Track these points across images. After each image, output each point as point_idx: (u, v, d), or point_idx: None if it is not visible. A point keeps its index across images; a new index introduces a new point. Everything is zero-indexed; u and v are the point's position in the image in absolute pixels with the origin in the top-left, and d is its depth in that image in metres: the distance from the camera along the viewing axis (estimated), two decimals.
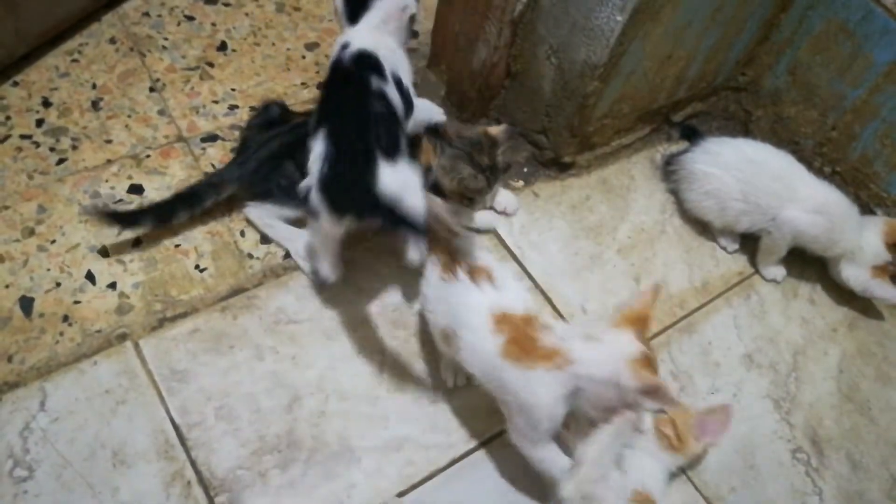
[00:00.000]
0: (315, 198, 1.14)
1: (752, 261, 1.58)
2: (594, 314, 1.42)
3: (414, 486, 1.17)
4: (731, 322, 1.49)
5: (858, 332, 1.53)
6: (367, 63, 1.25)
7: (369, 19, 1.31)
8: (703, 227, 1.60)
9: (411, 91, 1.31)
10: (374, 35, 1.30)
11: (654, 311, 1.12)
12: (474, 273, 1.16)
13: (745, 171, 1.48)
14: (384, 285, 1.38)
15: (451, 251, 1.21)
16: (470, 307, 1.12)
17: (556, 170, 1.62)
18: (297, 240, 1.38)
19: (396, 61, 1.29)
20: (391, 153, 1.16)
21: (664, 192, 1.65)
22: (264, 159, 1.37)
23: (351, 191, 1.13)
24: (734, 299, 1.52)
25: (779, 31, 1.64)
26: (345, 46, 1.27)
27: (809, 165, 1.64)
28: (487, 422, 1.25)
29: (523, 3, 1.40)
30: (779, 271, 1.56)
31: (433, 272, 1.21)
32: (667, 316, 1.46)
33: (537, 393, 1.05)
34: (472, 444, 1.23)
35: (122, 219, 1.30)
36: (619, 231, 1.56)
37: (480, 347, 1.09)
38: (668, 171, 1.64)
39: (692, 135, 1.64)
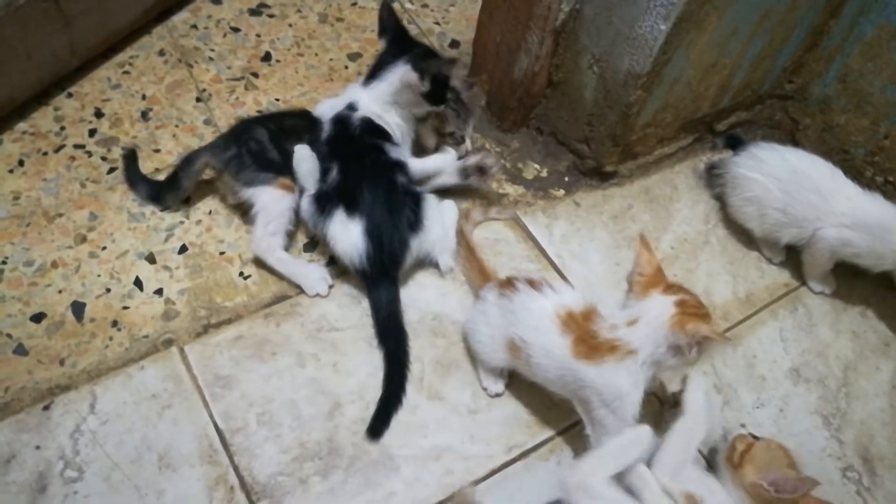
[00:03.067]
0: (360, 265, 1.30)
1: (799, 272, 1.54)
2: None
3: (453, 496, 1.17)
4: (776, 335, 1.45)
5: None
6: (379, 132, 1.37)
7: (375, 89, 1.38)
8: (748, 238, 1.57)
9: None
10: (381, 105, 1.38)
11: (656, 258, 1.17)
12: (533, 283, 1.19)
13: (786, 181, 1.44)
14: (424, 295, 1.38)
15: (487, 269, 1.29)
16: (535, 312, 1.16)
17: (597, 179, 1.61)
18: (309, 275, 1.36)
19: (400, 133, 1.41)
20: (415, 227, 1.34)
21: (708, 202, 1.62)
22: (236, 127, 1.44)
23: (391, 268, 1.32)
24: (780, 311, 1.49)
25: (828, 38, 1.60)
26: (351, 107, 1.38)
27: (860, 175, 1.60)
28: (527, 433, 1.25)
29: (566, 12, 1.40)
30: (827, 284, 1.52)
31: (490, 294, 1.23)
32: None
33: (619, 384, 1.09)
34: (512, 454, 1.22)
35: (132, 170, 1.44)
36: (662, 241, 1.54)
37: (552, 350, 1.13)
38: (713, 174, 1.61)
39: (736, 144, 1.61)
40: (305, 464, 1.17)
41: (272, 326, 1.31)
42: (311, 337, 1.30)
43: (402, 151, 1.40)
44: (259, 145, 1.38)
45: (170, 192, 1.41)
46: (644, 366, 1.09)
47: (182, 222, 1.42)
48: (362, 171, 1.33)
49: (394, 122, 1.39)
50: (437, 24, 1.86)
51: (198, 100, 1.61)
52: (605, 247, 1.51)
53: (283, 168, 1.37)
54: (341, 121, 1.38)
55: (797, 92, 1.71)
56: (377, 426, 1.21)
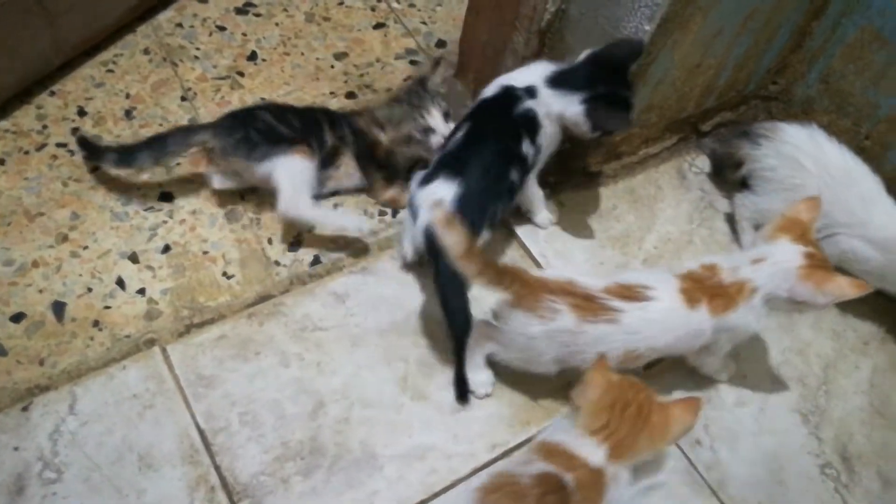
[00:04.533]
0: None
1: None
2: None
3: (436, 495, 1.18)
4: (758, 334, 1.46)
5: (891, 346, 1.49)
6: (532, 128, 1.32)
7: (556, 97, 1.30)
8: (730, 238, 1.58)
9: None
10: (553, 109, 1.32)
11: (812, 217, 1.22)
12: (624, 293, 1.17)
13: (834, 177, 1.41)
14: (409, 294, 1.39)
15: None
16: (658, 319, 1.17)
17: (582, 179, 1.61)
18: (349, 216, 1.43)
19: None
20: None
21: (691, 202, 1.63)
22: (237, 111, 1.45)
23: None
24: None
25: (811, 39, 1.61)
26: (529, 91, 1.32)
27: None
28: (509, 432, 1.25)
29: (551, 12, 1.40)
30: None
31: (567, 318, 1.15)
32: None
33: (749, 323, 1.20)
34: (495, 453, 1.23)
35: (89, 148, 1.41)
36: (646, 241, 1.55)
37: (689, 329, 1.19)
38: (751, 136, 1.51)
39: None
40: (287, 463, 1.17)
41: (255, 326, 1.31)
42: (294, 336, 1.30)
43: (533, 157, 1.34)
44: (266, 124, 1.39)
45: (149, 151, 1.36)
46: (763, 302, 1.18)
47: (165, 221, 1.42)
48: (487, 146, 1.29)
49: (550, 130, 1.34)
50: (424, 23, 1.86)
51: (183, 99, 1.60)
52: (589, 246, 1.51)
53: (294, 139, 1.39)
54: (509, 94, 1.32)
55: (781, 93, 1.72)
56: (463, 391, 1.25)
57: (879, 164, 1.56)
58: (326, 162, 1.44)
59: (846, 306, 1.52)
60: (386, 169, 1.49)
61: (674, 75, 1.47)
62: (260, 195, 1.46)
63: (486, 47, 1.53)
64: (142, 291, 1.32)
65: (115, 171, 1.43)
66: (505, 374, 1.31)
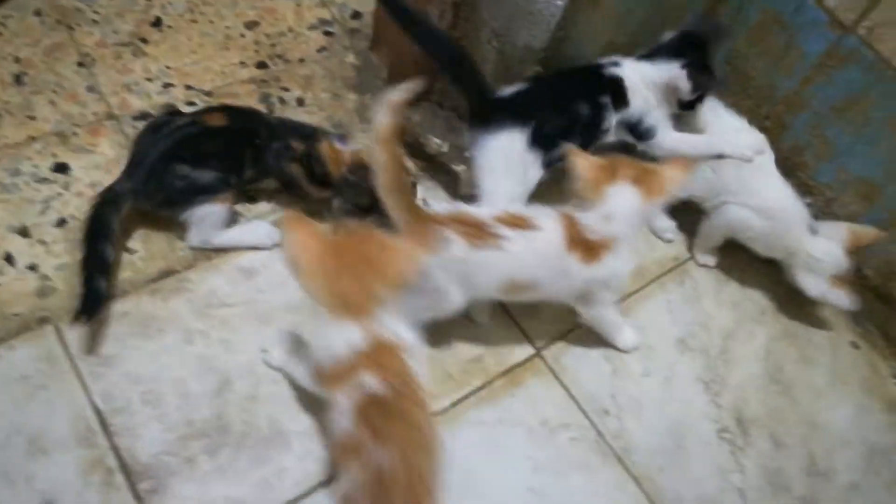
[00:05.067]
0: None
1: (688, 247, 1.61)
2: None
3: None
4: (665, 306, 1.51)
5: (784, 316, 1.57)
6: (621, 97, 1.38)
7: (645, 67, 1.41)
8: None
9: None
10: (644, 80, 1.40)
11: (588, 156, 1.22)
12: (513, 221, 1.18)
13: None
14: None
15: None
16: (537, 244, 1.19)
17: None
18: (256, 231, 1.37)
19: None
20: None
21: None
22: (153, 164, 1.25)
23: None
24: (669, 284, 1.55)
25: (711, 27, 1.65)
26: (613, 62, 1.41)
27: None
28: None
29: None
30: (711, 258, 1.59)
31: (458, 245, 1.16)
32: None
33: (619, 270, 1.25)
34: None
35: (87, 308, 1.17)
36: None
37: (566, 271, 1.21)
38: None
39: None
40: (192, 442, 1.14)
41: (159, 303, 1.26)
42: (199, 313, 1.26)
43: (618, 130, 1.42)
44: (184, 179, 1.27)
45: (98, 265, 1.20)
46: (627, 245, 1.22)
47: (60, 194, 1.34)
48: (566, 112, 1.35)
49: (645, 94, 1.41)
50: None
51: (80, 65, 1.52)
52: None
53: (217, 187, 1.30)
54: (587, 68, 1.41)
55: None
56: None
57: (778, 143, 1.62)
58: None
59: (745, 278, 1.59)
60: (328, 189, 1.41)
61: (587, 52, 1.48)
62: None
63: None
64: (33, 267, 1.25)
65: None
66: None
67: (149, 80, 1.54)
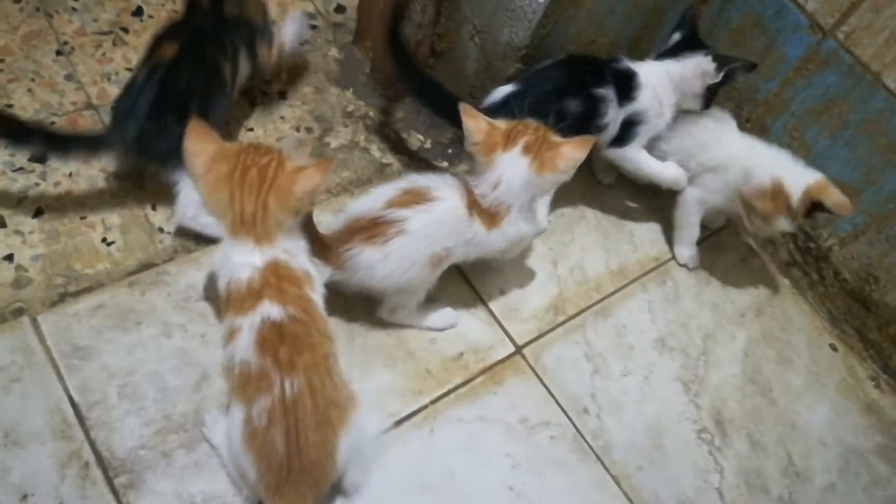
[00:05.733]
0: None
1: (669, 248, 1.62)
2: (511, 295, 1.43)
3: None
4: (645, 306, 1.52)
5: (764, 318, 1.59)
6: (627, 89, 1.40)
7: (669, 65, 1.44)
8: (621, 214, 1.63)
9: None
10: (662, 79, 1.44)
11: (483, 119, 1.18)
12: (408, 200, 1.17)
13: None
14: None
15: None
16: (438, 215, 1.18)
17: None
18: None
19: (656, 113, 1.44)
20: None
21: (583, 178, 1.66)
22: (146, 117, 1.23)
23: None
24: (650, 284, 1.56)
25: (700, 23, 1.66)
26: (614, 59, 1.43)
27: None
28: (401, 402, 1.25)
29: None
30: (692, 254, 1.60)
31: (368, 253, 1.16)
32: (583, 299, 1.48)
33: (521, 233, 1.25)
34: (386, 424, 1.22)
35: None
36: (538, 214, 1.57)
37: (472, 238, 1.21)
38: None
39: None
40: (170, 436, 1.13)
41: (137, 295, 1.25)
42: (178, 307, 1.25)
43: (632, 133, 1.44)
44: (176, 138, 1.18)
45: (45, 143, 1.22)
46: (521, 211, 1.21)
47: (38, 184, 1.32)
48: (566, 97, 1.34)
49: (666, 101, 1.44)
50: None
51: (58, 53, 1.49)
52: None
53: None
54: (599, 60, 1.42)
55: None
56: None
57: None
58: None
59: (726, 280, 1.61)
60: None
61: (570, 50, 1.49)
62: None
63: (383, 13, 1.51)
64: (9, 258, 1.23)
65: None
66: (398, 346, 1.30)
67: (129, 69, 1.51)
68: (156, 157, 1.27)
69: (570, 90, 1.35)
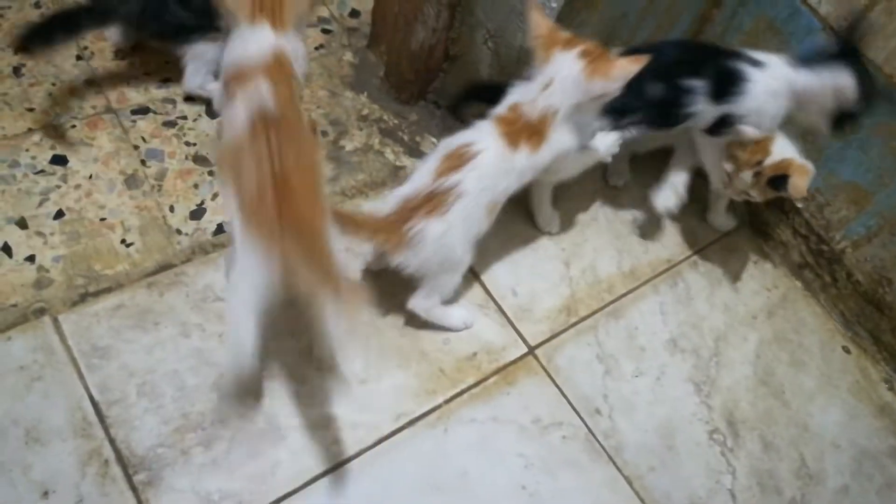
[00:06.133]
0: None
1: (681, 248, 1.62)
2: (523, 296, 1.45)
3: (340, 464, 1.18)
4: (657, 308, 1.53)
5: (776, 320, 1.59)
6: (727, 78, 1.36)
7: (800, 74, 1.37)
8: (632, 217, 1.64)
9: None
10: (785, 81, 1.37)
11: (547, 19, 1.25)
12: (453, 164, 1.21)
13: None
14: None
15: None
16: (491, 167, 1.22)
17: None
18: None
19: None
20: None
21: (596, 182, 1.67)
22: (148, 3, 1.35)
23: None
24: (661, 286, 1.57)
25: (712, 26, 1.67)
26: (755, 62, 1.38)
27: None
28: (415, 402, 1.26)
29: None
30: (728, 220, 1.64)
31: (432, 226, 1.20)
32: (595, 300, 1.49)
33: (568, 143, 1.26)
34: (400, 423, 1.24)
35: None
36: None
37: (519, 169, 1.25)
38: None
39: None
40: (188, 435, 1.14)
41: (155, 296, 1.27)
42: (196, 307, 1.27)
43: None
44: (176, 16, 1.37)
45: (63, 30, 1.33)
46: (567, 118, 1.22)
47: (59, 186, 1.35)
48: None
49: (772, 111, 1.39)
50: None
51: (78, 58, 1.52)
52: (496, 222, 1.53)
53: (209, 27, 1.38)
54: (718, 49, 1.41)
55: None
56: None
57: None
58: None
59: (738, 282, 1.61)
60: None
61: None
62: (160, 160, 1.41)
63: (397, 18, 1.52)
64: (31, 259, 1.26)
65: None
66: (412, 347, 1.32)
67: (147, 74, 1.54)
68: (161, 33, 1.38)
69: (661, 74, 1.35)
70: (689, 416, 1.40)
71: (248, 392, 1.18)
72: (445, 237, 1.20)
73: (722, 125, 1.41)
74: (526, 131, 1.22)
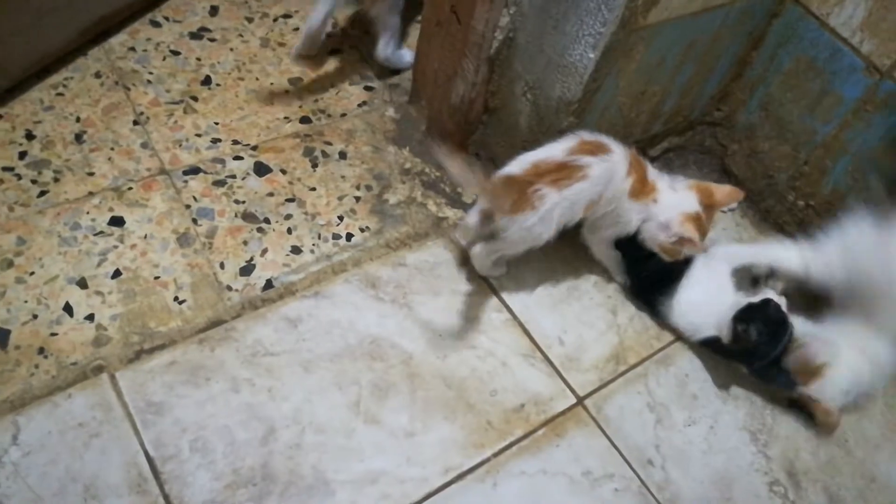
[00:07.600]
0: None
1: None
2: (571, 345, 1.43)
3: None
4: (708, 354, 1.50)
5: None
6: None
7: None
8: None
9: None
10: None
11: (720, 202, 1.41)
12: (589, 149, 1.31)
13: None
14: (362, 318, 1.39)
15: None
16: (614, 166, 1.32)
17: None
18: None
19: None
20: None
21: None
22: None
23: None
24: None
25: (751, 68, 1.67)
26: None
27: (783, 199, 1.68)
28: (463, 454, 1.25)
29: (499, 40, 1.44)
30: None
31: (553, 195, 1.26)
32: (644, 348, 1.47)
33: (633, 220, 1.38)
34: (448, 476, 1.23)
35: None
36: (596, 263, 1.57)
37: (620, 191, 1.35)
38: None
39: None
40: (239, 490, 1.15)
41: (206, 352, 1.30)
42: (245, 362, 1.29)
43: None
44: None
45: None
46: (645, 214, 1.36)
47: (116, 246, 1.40)
48: None
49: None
50: None
51: (135, 123, 1.59)
52: (541, 268, 1.53)
53: None
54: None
55: (725, 119, 1.78)
56: None
57: (818, 187, 1.62)
58: None
59: None
60: None
61: (620, 102, 1.51)
62: (211, 218, 1.46)
63: (437, 74, 1.56)
64: (90, 317, 1.30)
65: None
66: (458, 399, 1.31)
67: (198, 135, 1.60)
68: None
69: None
70: (746, 467, 1.35)
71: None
72: (554, 210, 1.26)
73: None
74: (644, 189, 1.34)
